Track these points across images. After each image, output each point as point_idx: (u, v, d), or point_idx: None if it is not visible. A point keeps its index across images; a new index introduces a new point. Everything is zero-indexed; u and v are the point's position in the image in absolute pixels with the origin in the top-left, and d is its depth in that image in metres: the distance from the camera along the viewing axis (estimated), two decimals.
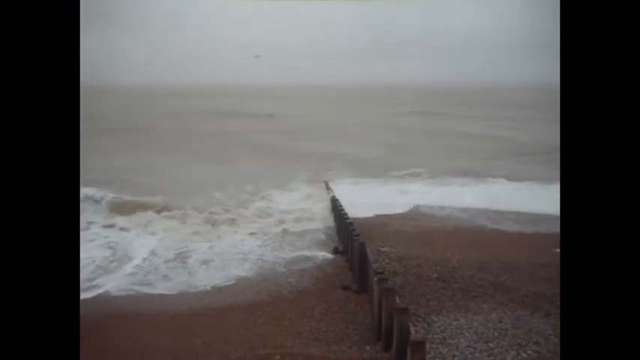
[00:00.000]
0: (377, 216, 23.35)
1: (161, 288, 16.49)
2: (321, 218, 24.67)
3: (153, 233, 22.13)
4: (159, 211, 24.89)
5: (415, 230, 20.56)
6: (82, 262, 18.44)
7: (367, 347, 11.37)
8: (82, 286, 16.45)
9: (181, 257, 19.25)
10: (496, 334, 11.03)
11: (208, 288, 16.36)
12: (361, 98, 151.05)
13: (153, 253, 19.67)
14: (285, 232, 22.48)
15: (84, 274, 17.28)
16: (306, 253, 19.51)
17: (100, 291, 16.19)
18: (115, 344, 12.01)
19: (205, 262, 18.75)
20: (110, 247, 20.39)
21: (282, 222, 23.88)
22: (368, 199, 27.64)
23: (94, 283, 16.77)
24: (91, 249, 20.12)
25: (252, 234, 22.18)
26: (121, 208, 25.58)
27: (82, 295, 15.81)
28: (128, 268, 18.13)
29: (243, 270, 17.92)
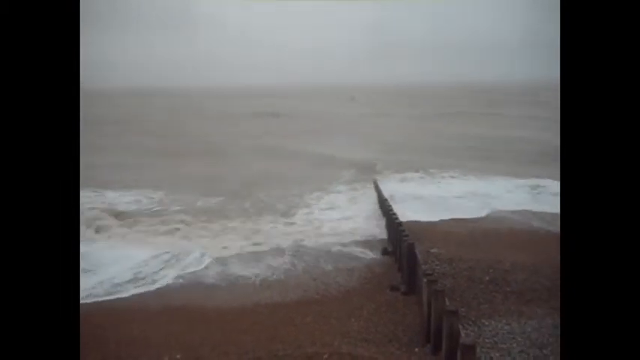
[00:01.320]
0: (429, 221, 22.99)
1: (214, 282, 16.93)
2: (368, 218, 24.56)
3: (214, 234, 22.58)
4: (218, 213, 25.61)
5: (465, 232, 20.08)
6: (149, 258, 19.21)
7: (416, 349, 11.22)
8: (145, 280, 17.07)
9: (238, 258, 19.52)
10: (551, 340, 10.62)
11: (257, 284, 16.60)
12: (381, 98, 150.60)
13: (215, 253, 19.96)
14: (332, 232, 22.42)
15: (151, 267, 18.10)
16: (355, 253, 19.45)
17: (158, 285, 16.77)
18: (165, 338, 12.35)
19: (258, 259, 19.07)
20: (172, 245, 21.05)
21: (330, 222, 23.94)
22: (416, 201, 27.41)
23: (155, 277, 17.47)
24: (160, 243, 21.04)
25: (300, 235, 22.12)
26: (187, 210, 26.49)
27: (142, 289, 16.42)
28: (186, 264, 18.64)
29: (290, 268, 18.08)
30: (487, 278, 14.30)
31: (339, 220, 24.30)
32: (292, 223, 24.08)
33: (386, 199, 24.52)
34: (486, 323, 11.51)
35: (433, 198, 28.49)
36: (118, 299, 15.62)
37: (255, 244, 20.98)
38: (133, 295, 15.88)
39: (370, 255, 19.14)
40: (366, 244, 20.48)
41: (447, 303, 10.60)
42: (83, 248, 19.77)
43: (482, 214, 24.23)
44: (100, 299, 15.57)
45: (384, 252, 19.23)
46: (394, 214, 19.83)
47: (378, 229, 22.10)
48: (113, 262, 18.75)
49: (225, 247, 20.49)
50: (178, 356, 11.30)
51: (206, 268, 18.28)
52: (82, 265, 17.55)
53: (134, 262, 18.83)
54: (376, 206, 26.22)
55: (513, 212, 24.26)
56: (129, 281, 17.02)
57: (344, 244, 20.45)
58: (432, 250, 16.79)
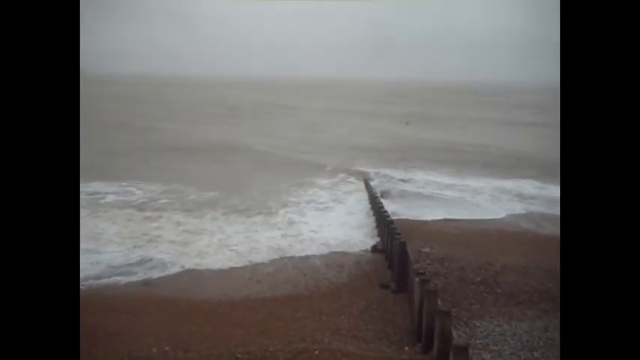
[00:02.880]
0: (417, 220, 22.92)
1: (204, 275, 16.80)
2: (357, 214, 24.52)
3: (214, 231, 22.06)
4: (210, 207, 25.25)
5: (457, 232, 20.16)
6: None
7: (406, 348, 11.20)
8: (134, 270, 16.82)
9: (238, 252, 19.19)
10: (542, 342, 10.68)
11: (247, 278, 16.48)
12: (368, 95, 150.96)
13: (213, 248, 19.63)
14: (322, 229, 22.25)
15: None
16: (344, 250, 19.37)
17: (147, 276, 16.54)
18: (155, 330, 12.21)
19: (250, 251, 18.88)
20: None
21: (319, 220, 23.77)
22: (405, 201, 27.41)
23: (143, 269, 17.19)
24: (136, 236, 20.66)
25: (286, 234, 21.58)
26: (185, 203, 26.18)
27: (132, 279, 16.16)
28: (176, 256, 18.32)
29: (279, 262, 17.98)
30: (478, 279, 14.34)
31: (326, 222, 23.47)
32: (281, 222, 23.31)
33: (376, 197, 24.52)
34: (478, 324, 11.53)
35: (422, 197, 28.53)
36: (107, 287, 15.41)
37: (243, 240, 20.65)
38: (122, 285, 15.68)
39: (359, 252, 19.10)
40: (356, 241, 20.42)
41: (439, 303, 10.59)
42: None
43: (473, 215, 24.31)
44: (89, 285, 15.36)
45: (374, 249, 19.21)
46: (385, 211, 19.80)
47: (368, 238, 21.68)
48: (101, 251, 18.47)
49: (217, 241, 20.27)
50: (167, 348, 11.17)
51: (196, 261, 18.05)
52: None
53: (121, 252, 18.53)
54: (361, 206, 26.08)
55: (504, 214, 24.41)
56: (120, 271, 16.72)
57: (334, 243, 20.23)
58: (424, 250, 16.79)
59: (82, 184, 28.73)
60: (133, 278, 16.23)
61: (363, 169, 36.06)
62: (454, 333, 9.72)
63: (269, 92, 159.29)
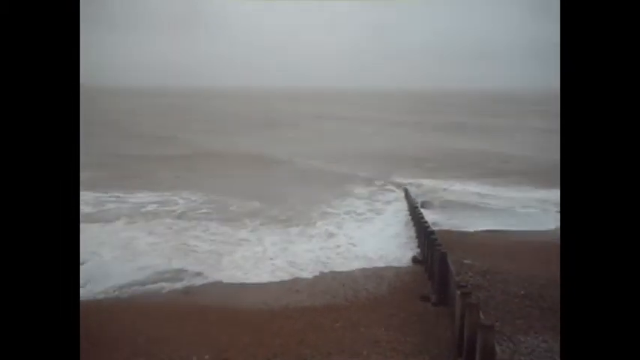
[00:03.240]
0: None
1: (244, 284, 16.94)
2: (396, 225, 24.25)
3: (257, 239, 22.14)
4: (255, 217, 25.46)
5: (500, 243, 19.66)
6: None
7: None
8: (175, 278, 17.04)
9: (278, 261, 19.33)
10: None
11: (286, 287, 16.51)
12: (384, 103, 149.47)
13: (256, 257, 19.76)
14: (361, 241, 22.05)
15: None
16: (383, 261, 19.16)
17: (187, 284, 16.77)
18: (195, 338, 12.36)
19: (289, 262, 18.99)
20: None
21: (358, 231, 23.60)
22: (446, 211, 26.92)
23: (185, 276, 17.39)
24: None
25: (325, 247, 21.28)
26: (225, 213, 26.48)
27: (173, 287, 16.43)
28: (216, 265, 18.53)
29: (321, 274, 17.93)
30: (522, 292, 13.93)
31: (365, 234, 23.16)
32: (320, 234, 23.10)
33: (416, 207, 24.21)
34: (522, 339, 11.17)
35: (467, 207, 28.01)
36: (150, 295, 15.71)
37: (282, 251, 20.65)
38: (164, 293, 15.95)
39: (399, 263, 18.87)
40: (396, 251, 20.18)
41: (481, 316, 10.31)
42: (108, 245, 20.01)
43: (522, 226, 23.67)
44: (133, 292, 15.71)
45: (414, 260, 18.97)
46: (425, 221, 19.53)
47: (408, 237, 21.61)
48: (138, 260, 18.81)
49: (257, 251, 20.39)
50: (207, 357, 11.29)
51: (235, 271, 18.22)
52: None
53: (160, 261, 18.79)
54: (400, 216, 25.77)
55: (553, 226, 23.63)
56: (161, 279, 16.99)
57: (373, 254, 20.08)
58: (465, 261, 16.44)
59: (125, 194, 29.72)
60: (175, 286, 16.52)
61: (400, 179, 35.74)
62: (497, 348, 9.44)
63: (297, 103, 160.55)
